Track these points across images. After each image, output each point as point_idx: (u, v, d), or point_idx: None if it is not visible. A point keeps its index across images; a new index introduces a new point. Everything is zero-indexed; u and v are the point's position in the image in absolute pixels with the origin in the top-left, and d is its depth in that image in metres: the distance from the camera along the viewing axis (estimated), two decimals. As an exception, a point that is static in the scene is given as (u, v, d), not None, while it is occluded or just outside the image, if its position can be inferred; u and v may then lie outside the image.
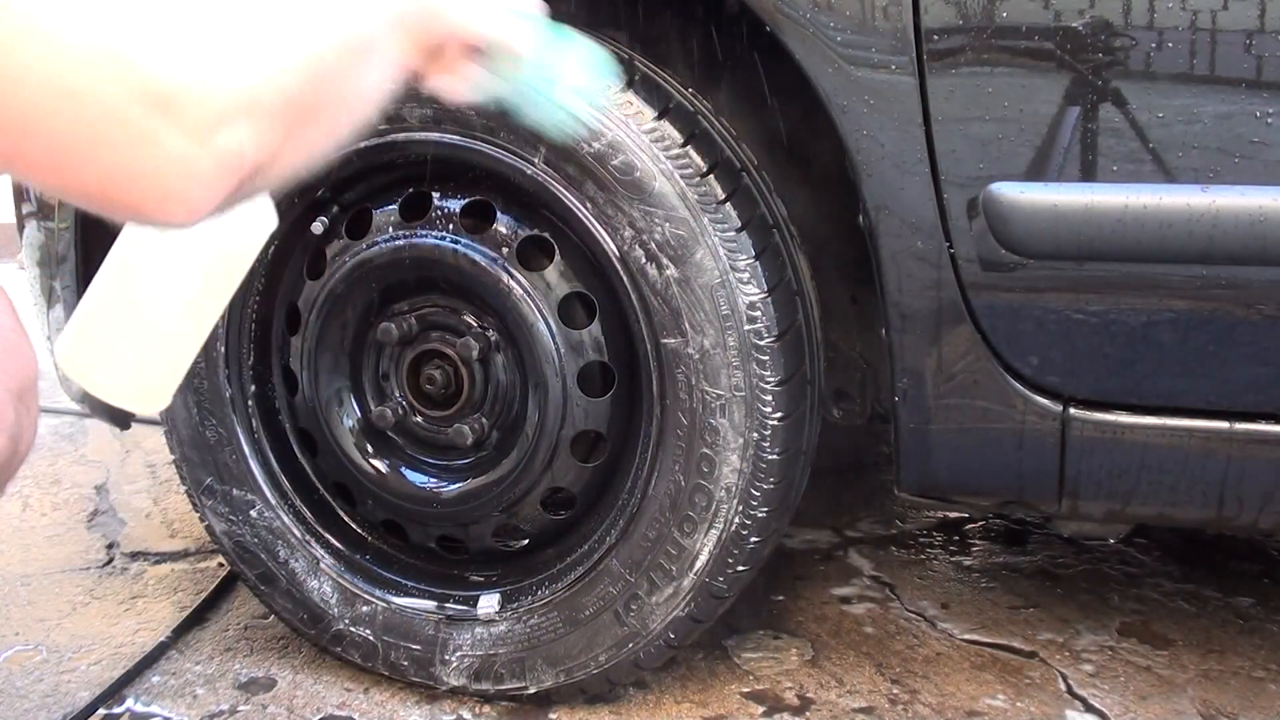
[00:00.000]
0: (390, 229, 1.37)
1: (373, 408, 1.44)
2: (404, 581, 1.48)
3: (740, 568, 1.33)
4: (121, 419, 1.65)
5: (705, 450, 1.28)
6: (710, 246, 1.23)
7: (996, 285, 1.18)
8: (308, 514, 1.51)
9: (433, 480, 1.44)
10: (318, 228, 1.41)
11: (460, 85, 0.89)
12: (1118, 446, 1.19)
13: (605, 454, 1.38)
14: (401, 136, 1.31)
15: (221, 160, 0.60)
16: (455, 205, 1.35)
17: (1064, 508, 1.25)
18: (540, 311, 1.32)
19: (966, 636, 1.63)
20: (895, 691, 1.50)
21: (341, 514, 1.53)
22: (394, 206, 1.38)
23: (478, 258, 1.33)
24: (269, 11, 0.66)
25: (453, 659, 1.44)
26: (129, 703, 1.49)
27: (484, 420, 1.40)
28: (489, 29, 0.87)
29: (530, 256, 1.34)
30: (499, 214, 1.34)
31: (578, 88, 0.93)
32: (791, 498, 1.37)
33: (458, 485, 1.42)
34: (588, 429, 1.35)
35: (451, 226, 1.35)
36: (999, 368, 1.20)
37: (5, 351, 1.02)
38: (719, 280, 1.24)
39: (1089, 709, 1.46)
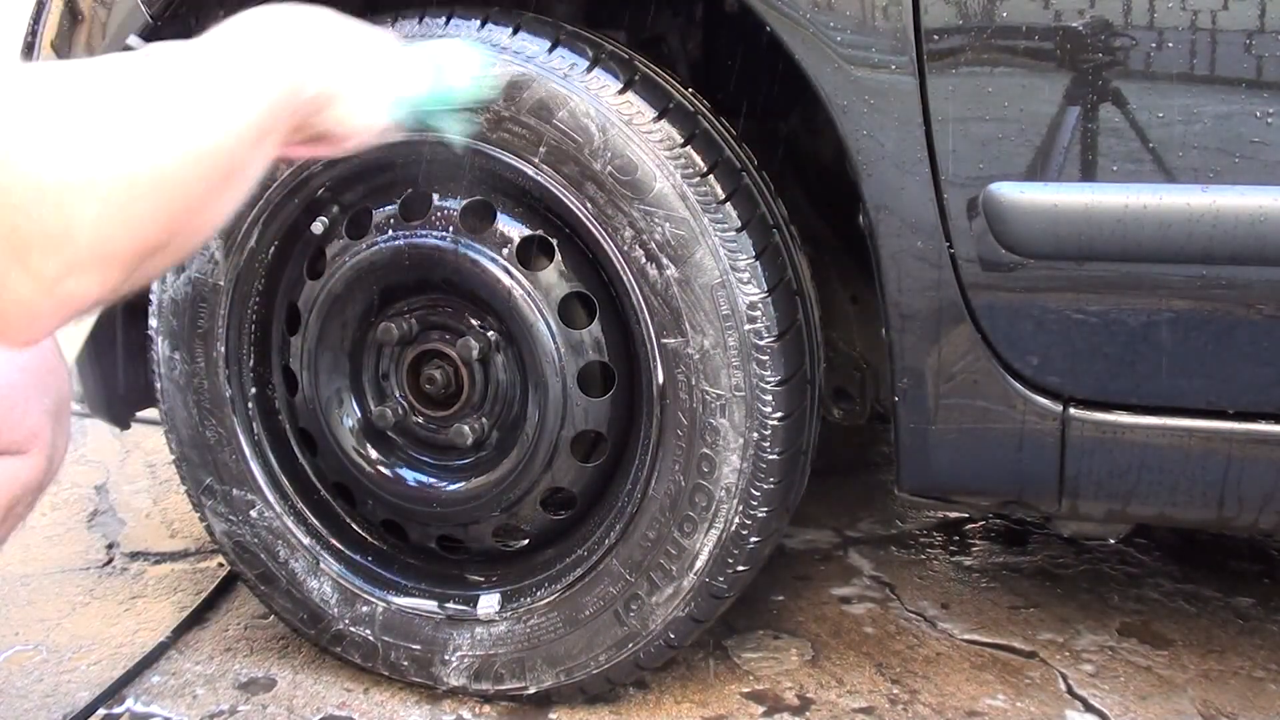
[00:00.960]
0: (390, 229, 1.38)
1: (373, 408, 1.44)
2: (404, 581, 1.48)
3: (740, 568, 1.33)
4: (121, 419, 1.65)
5: (705, 450, 1.28)
6: (710, 246, 1.23)
7: (996, 285, 1.18)
8: (308, 514, 1.51)
9: (432, 480, 1.44)
10: (318, 227, 1.41)
11: (341, 142, 0.88)
12: (1118, 446, 1.19)
13: (605, 454, 1.38)
14: (401, 136, 1.31)
15: (64, 304, 0.62)
16: (455, 205, 1.35)
17: (1064, 508, 1.25)
18: (540, 311, 1.32)
19: (966, 636, 1.63)
20: (895, 691, 1.50)
21: (341, 514, 1.53)
22: (394, 206, 1.38)
23: (478, 258, 1.33)
24: (141, 137, 0.65)
25: (453, 659, 1.44)
26: (129, 703, 1.49)
27: (484, 420, 1.40)
28: (371, 85, 0.87)
29: (530, 256, 1.34)
30: (499, 214, 1.34)
31: (463, 87, 0.97)
32: (791, 498, 1.37)
33: (457, 485, 1.42)
34: (588, 429, 1.35)
35: (452, 226, 1.35)
36: (999, 368, 1.20)
37: (45, 372, 1.02)
38: (719, 280, 1.24)
39: (1089, 709, 1.46)
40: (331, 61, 0.83)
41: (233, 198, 0.72)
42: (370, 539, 1.53)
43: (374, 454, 1.46)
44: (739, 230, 1.24)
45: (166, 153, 0.65)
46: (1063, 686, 1.51)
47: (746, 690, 1.50)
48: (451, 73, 0.96)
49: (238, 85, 0.72)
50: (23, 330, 0.62)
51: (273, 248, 1.43)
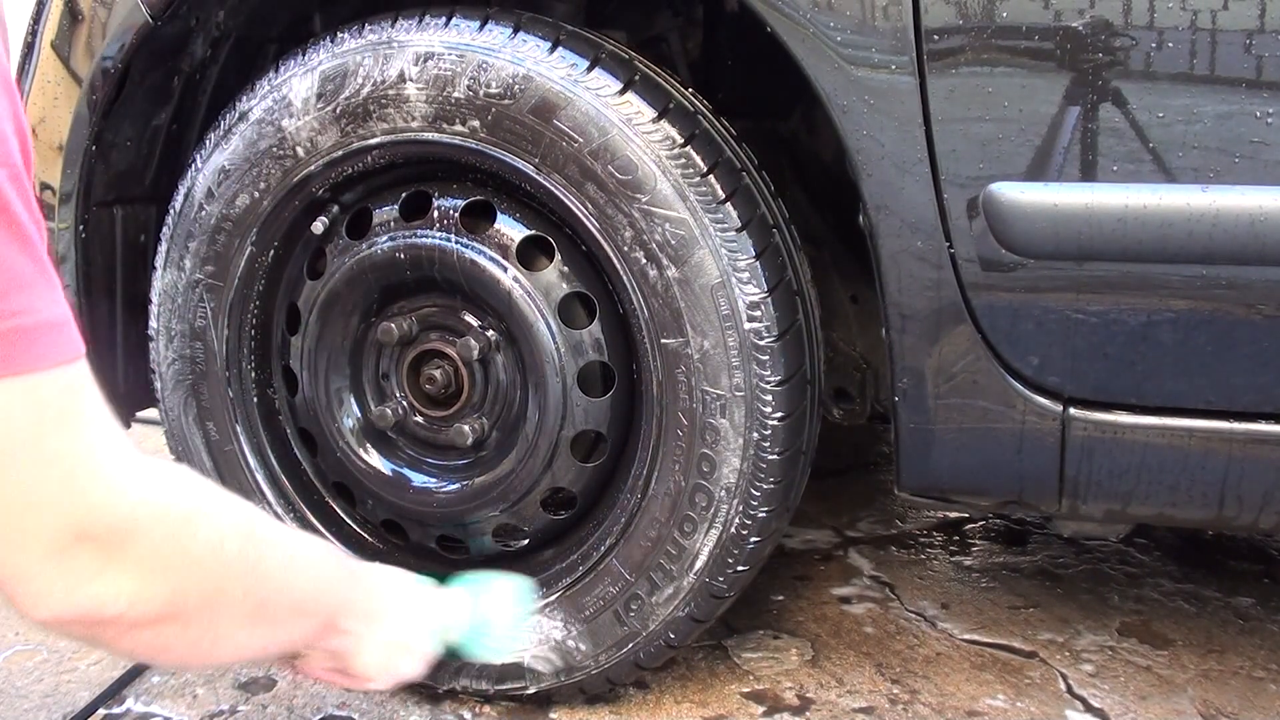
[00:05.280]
0: (391, 229, 1.37)
1: (373, 408, 1.44)
2: (404, 581, 1.48)
3: (740, 568, 1.33)
4: (122, 419, 1.65)
5: (705, 450, 1.28)
6: (711, 247, 1.23)
7: (996, 285, 1.18)
8: (308, 514, 1.51)
9: (433, 480, 1.44)
10: (318, 227, 1.41)
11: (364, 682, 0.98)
12: (1118, 446, 1.19)
13: (605, 454, 1.38)
14: (401, 136, 1.31)
15: (86, 601, 0.65)
16: (456, 205, 1.35)
17: (1064, 508, 1.25)
18: (540, 311, 1.32)
19: (966, 636, 1.63)
20: (895, 691, 1.50)
21: (341, 514, 1.53)
22: (394, 206, 1.38)
23: (478, 258, 1.33)
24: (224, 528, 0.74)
25: (453, 659, 1.44)
26: (129, 703, 1.49)
27: (484, 420, 1.40)
28: (401, 654, 0.99)
29: (530, 256, 1.34)
30: (499, 214, 1.34)
31: (507, 625, 1.11)
32: (791, 498, 1.36)
33: (458, 485, 1.42)
34: (588, 429, 1.35)
35: (452, 226, 1.34)
36: (999, 368, 1.20)
37: None
38: (719, 280, 1.24)
39: (1089, 709, 1.46)
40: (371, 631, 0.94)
41: (261, 636, 0.80)
42: (370, 539, 1.53)
43: (374, 454, 1.46)
44: (739, 230, 1.24)
45: (230, 552, 0.73)
46: (1063, 686, 1.51)
47: (746, 690, 1.50)
48: (490, 637, 1.09)
49: (306, 569, 0.84)
50: (46, 606, 0.65)
51: (273, 248, 1.43)
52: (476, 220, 1.35)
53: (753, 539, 1.31)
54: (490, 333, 1.38)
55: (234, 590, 0.75)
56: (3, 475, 0.61)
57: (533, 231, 1.34)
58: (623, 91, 1.24)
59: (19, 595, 0.64)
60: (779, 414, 1.26)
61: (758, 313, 1.24)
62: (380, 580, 0.99)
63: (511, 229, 1.34)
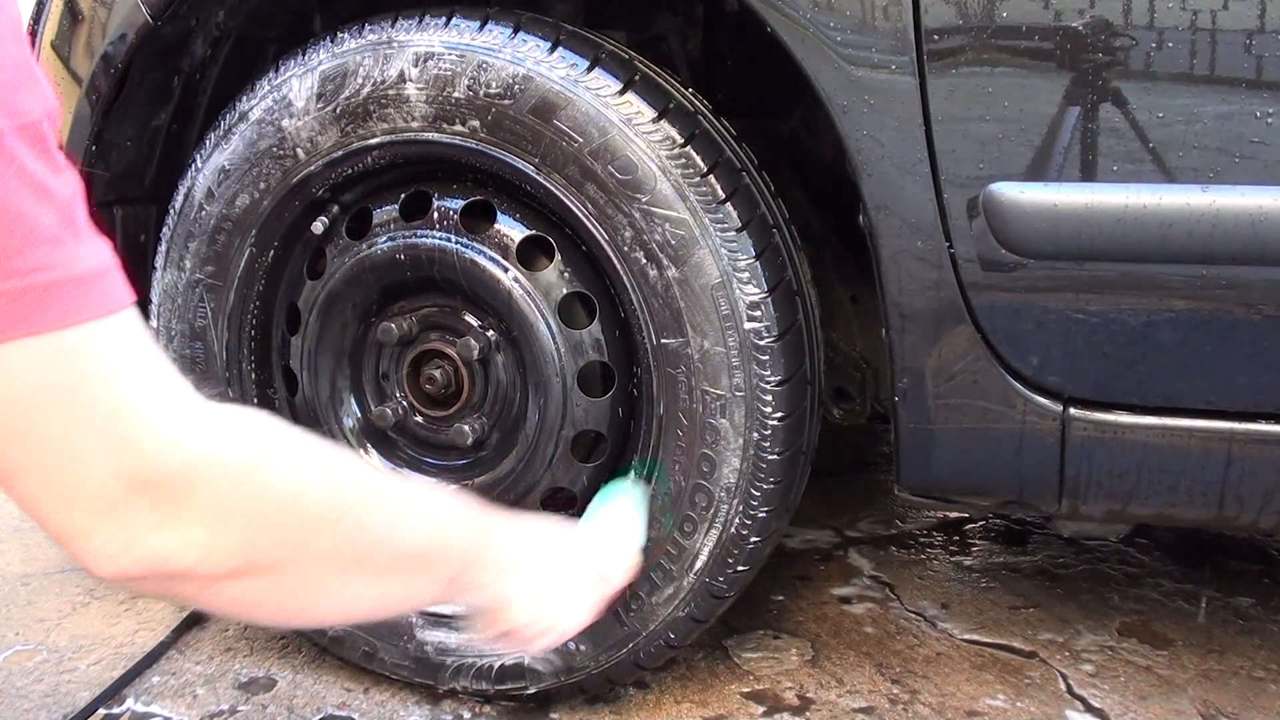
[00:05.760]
0: (391, 229, 1.38)
1: (373, 408, 1.44)
2: (404, 581, 1.48)
3: (740, 568, 1.33)
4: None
5: (705, 450, 1.28)
6: (711, 247, 1.23)
7: (996, 285, 1.18)
8: (308, 514, 1.51)
9: (433, 480, 1.44)
10: (318, 227, 1.41)
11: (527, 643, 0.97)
12: (1118, 446, 1.19)
13: (605, 454, 1.38)
14: (401, 137, 1.31)
15: (148, 556, 0.63)
16: (456, 205, 1.35)
17: (1064, 508, 1.25)
18: (540, 311, 1.32)
19: (966, 636, 1.63)
20: (895, 691, 1.50)
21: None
22: (394, 206, 1.38)
23: (478, 258, 1.33)
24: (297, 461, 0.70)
25: (453, 659, 1.44)
26: (129, 703, 1.49)
27: (484, 420, 1.40)
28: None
29: (530, 256, 1.34)
30: (499, 214, 1.34)
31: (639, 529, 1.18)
32: (791, 498, 1.36)
33: (458, 485, 1.42)
34: (588, 429, 1.35)
35: (452, 226, 1.34)
36: (999, 367, 1.20)
37: None
38: (719, 280, 1.24)
39: (1089, 709, 1.46)
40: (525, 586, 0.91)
41: (367, 591, 0.75)
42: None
43: (374, 454, 1.46)
44: (739, 230, 1.24)
45: (312, 497, 0.69)
46: (1063, 686, 1.51)
47: (746, 690, 1.50)
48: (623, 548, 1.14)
49: (420, 511, 0.80)
50: (112, 561, 0.63)
51: (273, 248, 1.43)
52: (476, 220, 1.35)
53: (753, 539, 1.31)
54: (490, 333, 1.38)
55: (322, 541, 0.70)
56: (43, 433, 0.59)
57: (533, 231, 1.34)
58: (623, 91, 1.24)
59: (82, 554, 0.62)
60: (779, 414, 1.26)
61: (758, 313, 1.24)
62: (516, 531, 0.93)
63: (511, 229, 1.34)
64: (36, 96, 0.58)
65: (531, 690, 1.42)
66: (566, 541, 1.00)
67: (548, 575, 0.94)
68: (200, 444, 0.63)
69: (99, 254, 0.61)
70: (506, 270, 1.32)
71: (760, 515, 1.29)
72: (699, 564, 1.32)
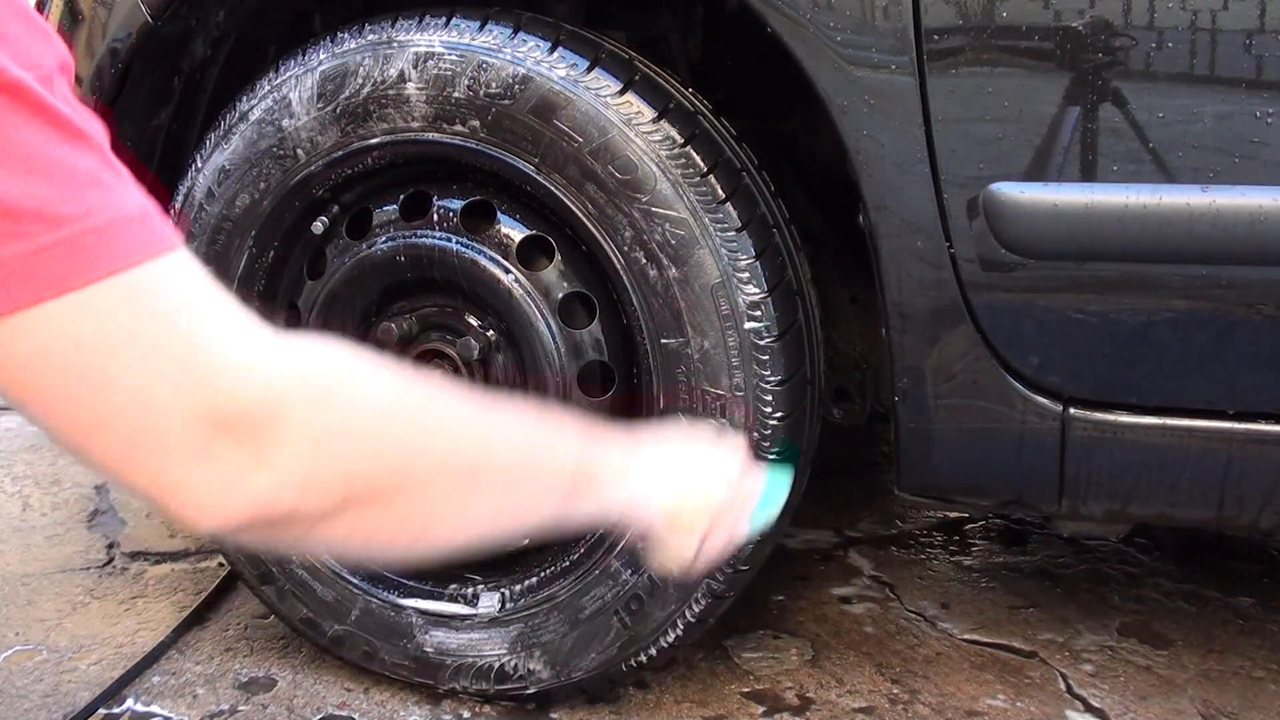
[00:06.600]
0: (391, 229, 1.38)
1: (373, 408, 1.44)
2: (404, 581, 1.48)
3: (740, 568, 1.33)
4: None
5: (705, 450, 1.28)
6: (711, 247, 1.23)
7: (996, 285, 1.18)
8: (308, 514, 1.50)
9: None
10: (318, 227, 1.41)
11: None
12: (1118, 446, 1.19)
13: (605, 454, 1.38)
14: (401, 137, 1.31)
15: (252, 497, 0.59)
16: (456, 205, 1.35)
17: (1064, 508, 1.25)
18: (540, 311, 1.32)
19: (966, 636, 1.63)
20: (895, 691, 1.50)
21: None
22: (394, 206, 1.38)
23: (478, 258, 1.33)
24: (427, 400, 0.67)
25: (452, 659, 1.44)
26: (129, 703, 1.49)
27: (484, 420, 1.39)
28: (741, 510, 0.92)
29: (530, 256, 1.34)
30: (499, 214, 1.34)
31: (763, 508, 1.01)
32: (791, 497, 1.36)
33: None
34: (588, 429, 1.35)
35: (452, 226, 1.35)
36: (999, 368, 1.20)
37: None
38: (719, 280, 1.24)
39: (1089, 709, 1.46)
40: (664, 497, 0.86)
41: (483, 507, 0.72)
42: (370, 539, 1.52)
43: (374, 454, 1.45)
44: (739, 230, 1.24)
45: (403, 410, 0.66)
46: (1063, 686, 1.51)
47: (746, 690, 1.50)
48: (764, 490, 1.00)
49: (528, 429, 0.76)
50: (214, 511, 0.59)
51: (273, 248, 1.43)
52: (476, 220, 1.35)
53: (753, 539, 1.30)
54: (490, 333, 1.38)
55: (424, 459, 0.66)
56: (116, 383, 0.55)
57: (533, 231, 1.34)
58: (623, 91, 1.24)
59: (181, 509, 0.59)
60: (779, 414, 1.26)
61: (758, 313, 1.24)
62: (628, 437, 0.87)
63: (511, 229, 1.34)
64: (47, 47, 0.56)
65: (531, 690, 1.42)
66: (687, 449, 0.93)
67: (677, 473, 0.88)
68: (277, 373, 0.60)
69: (140, 194, 0.59)
70: (507, 270, 1.32)
71: (760, 515, 1.29)
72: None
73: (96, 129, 0.57)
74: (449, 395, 0.71)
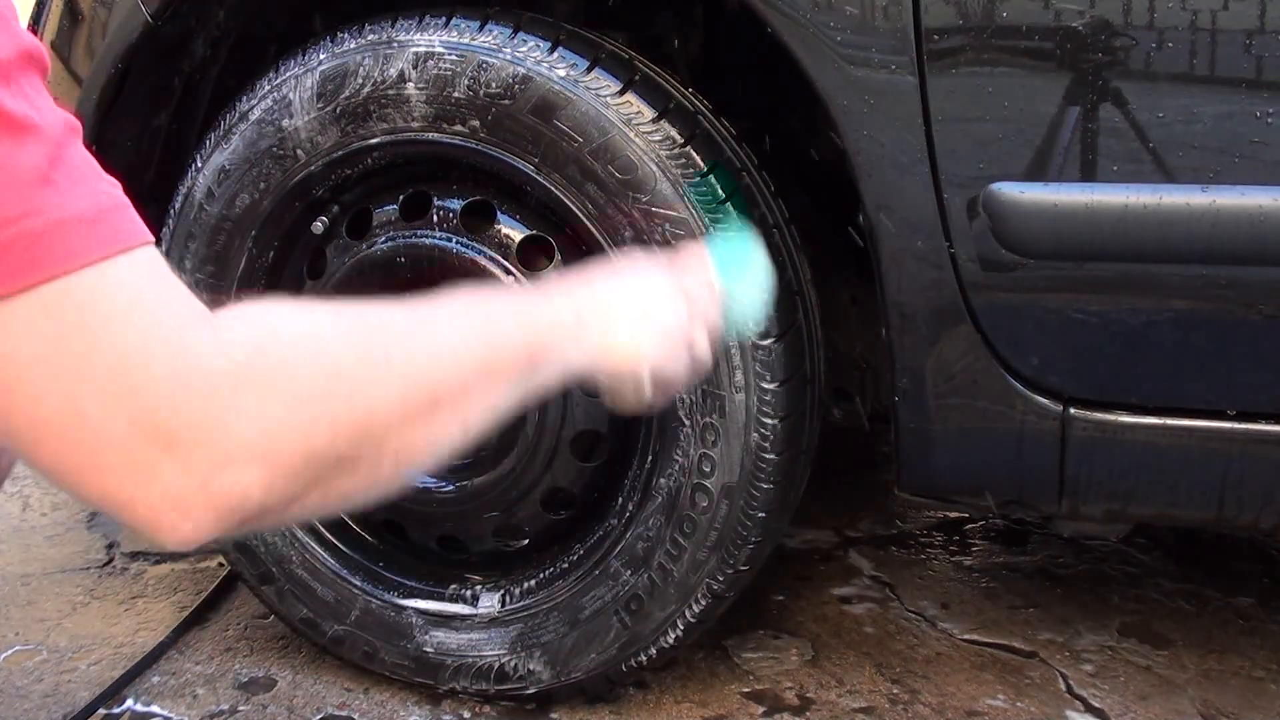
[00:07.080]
0: (391, 229, 1.38)
1: (373, 408, 1.44)
2: (404, 581, 1.48)
3: (740, 568, 1.33)
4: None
5: (705, 450, 1.28)
6: (710, 246, 1.23)
7: (997, 285, 1.18)
8: (308, 514, 1.50)
9: (432, 480, 1.43)
10: (318, 227, 1.41)
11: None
12: (1118, 446, 1.19)
13: (605, 454, 1.38)
14: (401, 136, 1.31)
15: (218, 500, 0.56)
16: (456, 205, 1.35)
17: (1064, 508, 1.25)
18: (540, 311, 1.32)
19: (966, 636, 1.63)
20: (895, 691, 1.50)
21: (341, 514, 1.53)
22: (394, 206, 1.38)
23: (478, 258, 1.33)
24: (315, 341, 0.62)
25: (453, 659, 1.44)
26: (129, 703, 1.49)
27: (484, 420, 1.39)
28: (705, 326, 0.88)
29: (531, 256, 1.34)
30: (499, 214, 1.34)
31: (750, 301, 0.98)
32: (791, 498, 1.36)
33: (457, 485, 1.42)
34: (588, 428, 1.35)
35: (452, 226, 1.35)
36: (999, 368, 1.20)
37: None
38: (719, 280, 1.23)
39: (1089, 709, 1.46)
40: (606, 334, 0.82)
41: (449, 425, 0.68)
42: (370, 539, 1.53)
43: (374, 454, 1.45)
44: (739, 230, 1.24)
45: (346, 361, 0.62)
46: (1063, 686, 1.51)
47: (746, 690, 1.50)
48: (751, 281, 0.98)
49: (457, 318, 0.72)
50: (175, 526, 0.56)
51: (273, 248, 1.43)
52: (476, 220, 1.35)
53: (753, 539, 1.31)
54: (490, 333, 1.38)
55: (381, 405, 0.63)
56: (46, 401, 0.53)
57: (533, 231, 1.34)
58: (623, 91, 1.24)
59: (140, 526, 0.56)
60: (779, 414, 1.26)
61: (758, 313, 1.24)
62: (571, 290, 0.84)
63: (511, 229, 1.34)
64: (6, 35, 0.54)
65: (531, 690, 1.42)
66: (633, 277, 0.89)
67: (631, 308, 0.85)
68: (218, 370, 0.56)
69: (102, 193, 0.55)
70: (507, 270, 1.32)
71: (760, 516, 1.29)
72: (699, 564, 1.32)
73: (55, 123, 0.55)
74: (386, 320, 0.68)
